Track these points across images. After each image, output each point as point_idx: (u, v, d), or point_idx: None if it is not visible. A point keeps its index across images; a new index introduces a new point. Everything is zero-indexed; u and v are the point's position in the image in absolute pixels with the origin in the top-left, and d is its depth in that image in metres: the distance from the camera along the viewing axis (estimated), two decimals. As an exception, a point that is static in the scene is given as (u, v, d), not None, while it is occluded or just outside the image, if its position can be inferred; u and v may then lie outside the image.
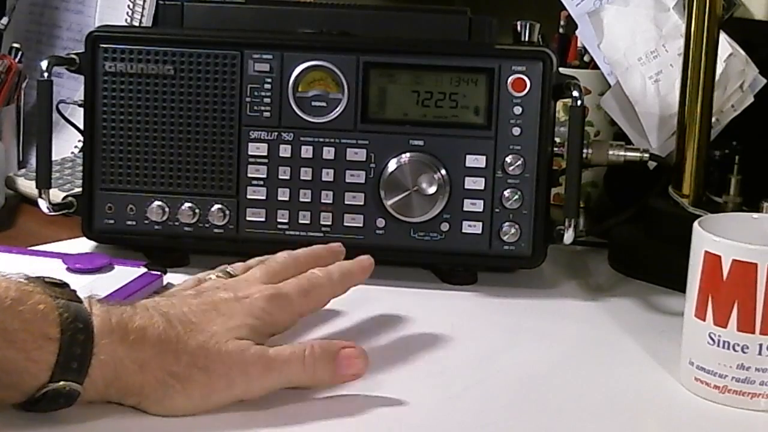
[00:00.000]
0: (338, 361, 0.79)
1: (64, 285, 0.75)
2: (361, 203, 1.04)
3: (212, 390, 0.75)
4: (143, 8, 1.37)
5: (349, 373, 0.79)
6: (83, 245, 1.08)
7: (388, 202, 1.03)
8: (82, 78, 1.05)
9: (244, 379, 0.76)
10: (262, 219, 1.04)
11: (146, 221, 1.05)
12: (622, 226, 1.12)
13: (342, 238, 1.04)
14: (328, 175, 1.04)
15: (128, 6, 1.37)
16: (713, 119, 1.09)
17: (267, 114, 1.04)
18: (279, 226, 1.04)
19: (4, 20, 1.44)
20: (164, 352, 0.74)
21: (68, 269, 1.00)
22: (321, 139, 1.04)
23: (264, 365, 0.76)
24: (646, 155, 1.07)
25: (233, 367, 0.76)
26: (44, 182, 1.05)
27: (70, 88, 1.33)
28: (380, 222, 1.04)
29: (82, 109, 1.05)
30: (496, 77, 1.02)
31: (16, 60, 1.34)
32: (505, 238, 1.03)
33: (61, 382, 0.71)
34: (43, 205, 1.06)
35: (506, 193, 1.03)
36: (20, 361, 0.70)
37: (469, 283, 1.05)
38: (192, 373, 0.75)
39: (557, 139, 1.06)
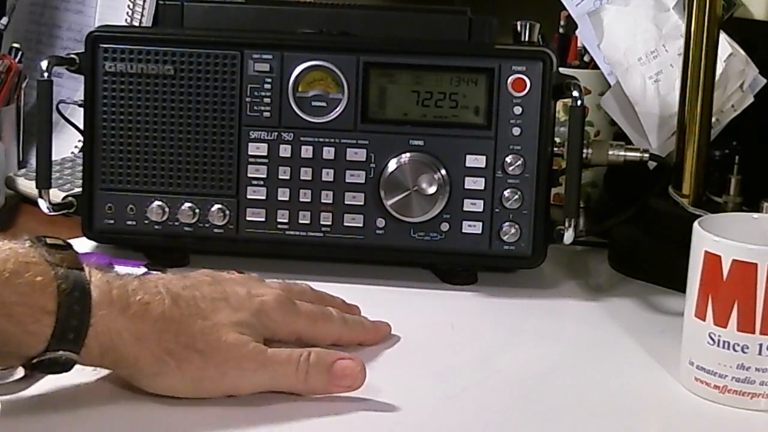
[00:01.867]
0: (333, 372, 0.78)
1: (66, 247, 0.75)
2: (361, 203, 1.04)
3: (204, 375, 0.75)
4: (143, 8, 1.37)
5: (343, 384, 0.78)
6: (83, 245, 1.08)
7: (388, 202, 1.03)
8: (82, 78, 1.05)
9: (237, 372, 0.76)
10: (262, 219, 1.04)
11: (146, 221, 1.05)
12: (622, 226, 1.12)
13: (342, 238, 1.04)
14: (328, 175, 1.04)
15: (128, 6, 1.37)
16: (713, 119, 1.09)
17: (267, 114, 1.04)
18: (279, 226, 1.04)
19: (4, 20, 1.44)
20: (164, 329, 0.75)
21: (68, 269, 1.00)
22: (321, 139, 1.04)
23: (259, 362, 0.77)
24: (646, 155, 1.07)
25: (229, 358, 0.76)
26: (44, 182, 1.05)
27: (70, 88, 1.33)
28: (380, 222, 1.04)
29: (82, 109, 1.05)
30: (496, 77, 1.02)
31: (16, 60, 1.34)
32: (505, 238, 1.03)
33: (59, 352, 0.71)
34: (43, 205, 1.06)
35: (506, 193, 1.03)
36: (17, 333, 0.70)
37: (469, 283, 1.05)
38: (188, 354, 0.75)
39: (557, 139, 1.06)
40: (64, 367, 0.73)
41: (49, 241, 0.75)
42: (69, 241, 0.76)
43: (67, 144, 1.33)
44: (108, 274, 0.76)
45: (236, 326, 0.78)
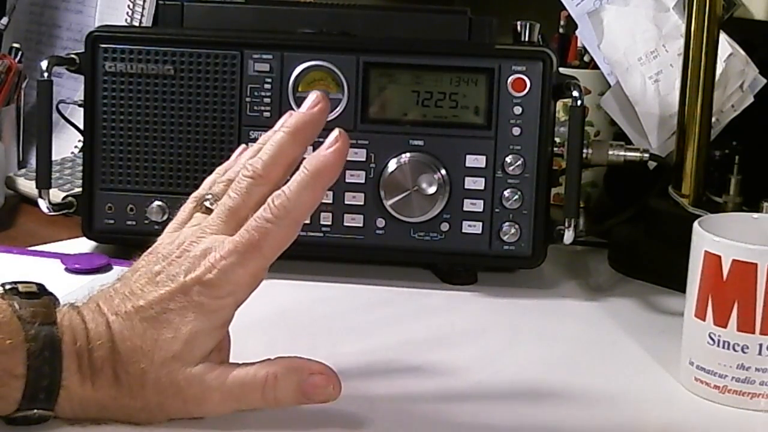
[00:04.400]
0: (304, 389, 0.74)
1: (40, 294, 0.73)
2: (361, 203, 1.04)
3: (173, 418, 0.74)
4: (143, 8, 1.37)
5: (316, 401, 0.75)
6: (83, 245, 1.08)
7: (388, 202, 1.03)
8: (82, 78, 1.05)
9: (199, 409, 0.74)
10: (262, 219, 1.04)
11: (146, 221, 1.05)
12: (622, 226, 1.12)
13: (342, 238, 1.04)
14: (328, 175, 1.03)
15: (128, 6, 1.37)
16: (713, 119, 1.09)
17: (267, 114, 1.04)
18: (279, 226, 1.04)
19: (4, 20, 1.44)
20: (121, 395, 0.72)
21: (67, 269, 1.00)
22: (321, 139, 1.03)
23: (220, 396, 0.74)
24: (646, 155, 1.07)
25: (189, 400, 0.73)
26: (44, 182, 1.05)
27: (70, 88, 1.33)
28: (380, 222, 1.04)
29: (82, 109, 1.05)
30: (496, 77, 1.02)
31: (16, 60, 1.34)
32: (505, 238, 1.03)
33: (33, 410, 0.71)
34: (43, 205, 1.06)
35: (506, 193, 1.03)
36: None
37: (469, 283, 1.05)
38: (150, 413, 0.73)
39: (557, 139, 1.06)
40: (39, 422, 0.71)
41: (21, 288, 0.72)
42: (41, 284, 0.74)
43: (67, 144, 1.33)
44: (75, 322, 0.72)
45: (185, 353, 0.73)
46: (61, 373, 0.71)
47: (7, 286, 0.73)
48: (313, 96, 0.78)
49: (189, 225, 0.79)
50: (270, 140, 0.77)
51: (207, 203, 0.79)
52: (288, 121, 0.78)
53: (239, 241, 0.73)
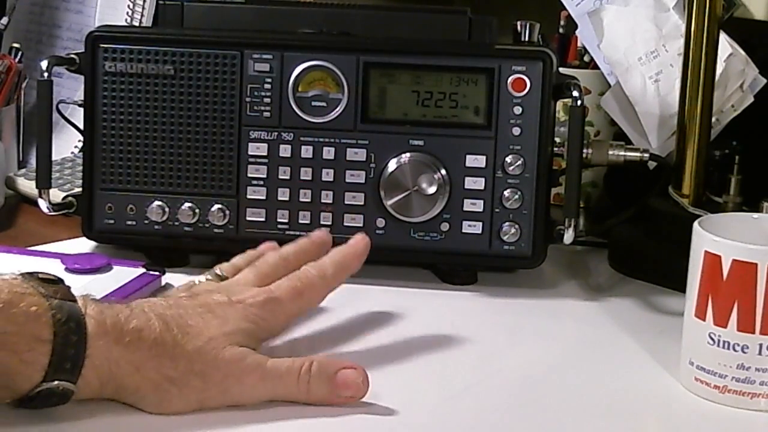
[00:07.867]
0: (336, 382, 0.78)
1: (58, 281, 0.74)
2: (361, 203, 1.04)
3: (207, 396, 0.75)
4: (143, 8, 1.37)
5: (346, 395, 0.78)
6: (83, 245, 1.08)
7: (388, 202, 1.03)
8: (82, 78, 1.05)
9: (238, 388, 0.76)
10: (262, 219, 1.04)
11: (146, 221, 1.05)
12: (622, 226, 1.12)
13: (342, 238, 1.04)
14: (328, 175, 1.04)
15: (128, 6, 1.37)
16: (713, 119, 1.09)
17: (267, 114, 1.04)
18: (279, 226, 1.04)
19: (4, 20, 1.44)
20: (160, 355, 0.74)
21: (66, 269, 1.00)
22: (321, 139, 1.04)
23: (259, 376, 0.77)
24: (646, 155, 1.07)
25: (229, 375, 0.76)
26: (44, 182, 1.05)
27: (70, 88, 1.33)
28: (380, 222, 1.04)
29: (82, 109, 1.05)
30: (496, 77, 1.02)
31: (16, 60, 1.34)
32: (505, 238, 1.03)
33: (55, 382, 0.71)
34: (43, 205, 1.06)
35: (506, 193, 1.03)
36: (13, 362, 0.70)
37: (469, 283, 1.05)
38: (189, 378, 0.75)
39: (557, 139, 1.06)
40: (62, 398, 0.72)
41: (40, 275, 0.74)
42: (60, 277, 0.76)
43: (67, 144, 1.33)
44: (100, 304, 0.75)
45: (230, 336, 0.77)
46: (86, 342, 0.72)
47: (26, 273, 0.74)
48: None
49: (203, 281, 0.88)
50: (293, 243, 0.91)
51: (217, 271, 0.89)
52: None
53: (284, 284, 0.83)
